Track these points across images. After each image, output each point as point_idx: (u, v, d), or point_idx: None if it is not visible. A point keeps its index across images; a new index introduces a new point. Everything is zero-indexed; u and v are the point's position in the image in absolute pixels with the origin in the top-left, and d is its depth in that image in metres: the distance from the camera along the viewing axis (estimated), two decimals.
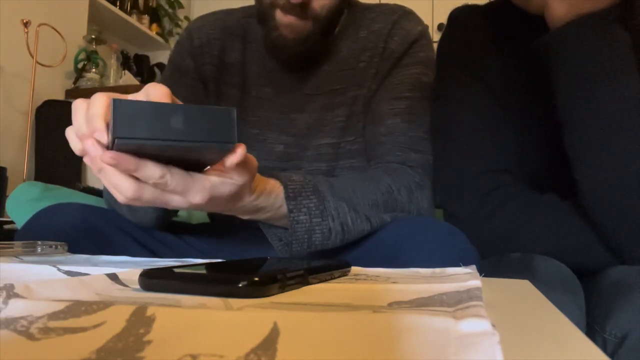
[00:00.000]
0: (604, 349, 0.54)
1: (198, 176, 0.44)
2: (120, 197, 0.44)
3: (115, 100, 0.34)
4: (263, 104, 0.81)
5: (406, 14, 0.80)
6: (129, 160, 0.39)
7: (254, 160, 0.47)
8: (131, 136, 0.34)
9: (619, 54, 0.60)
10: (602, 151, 0.60)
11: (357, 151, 0.77)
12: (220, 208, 0.50)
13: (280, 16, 0.70)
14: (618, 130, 0.59)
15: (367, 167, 0.76)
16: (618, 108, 0.59)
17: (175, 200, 0.45)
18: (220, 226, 0.82)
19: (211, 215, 0.91)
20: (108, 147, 0.39)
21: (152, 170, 0.41)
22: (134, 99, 0.38)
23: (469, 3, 0.81)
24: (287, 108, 0.80)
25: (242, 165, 0.44)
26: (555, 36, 0.62)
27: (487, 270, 0.44)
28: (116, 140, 0.35)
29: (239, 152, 0.40)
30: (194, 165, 0.43)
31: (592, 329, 0.57)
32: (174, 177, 0.42)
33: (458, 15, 0.80)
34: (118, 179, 0.42)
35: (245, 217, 0.56)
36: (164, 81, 0.85)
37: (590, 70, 0.60)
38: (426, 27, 0.81)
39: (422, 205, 0.68)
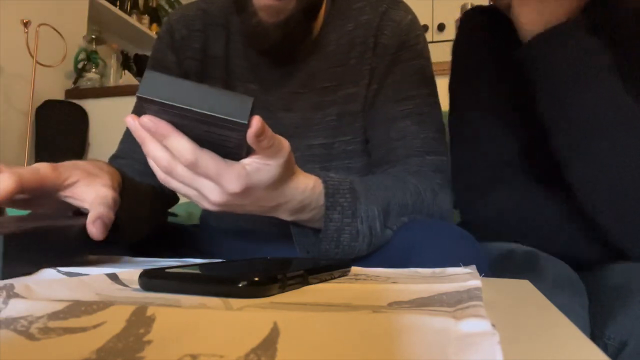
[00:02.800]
0: (605, 353, 0.54)
1: (233, 162, 0.44)
2: (158, 172, 0.45)
3: (147, 70, 0.39)
4: None
5: (394, 3, 0.76)
6: (164, 126, 0.41)
7: (283, 140, 0.46)
8: (152, 97, 0.38)
9: (589, 61, 0.61)
10: (580, 157, 0.62)
11: (353, 151, 0.75)
12: (265, 203, 0.49)
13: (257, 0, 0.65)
14: (593, 135, 0.61)
15: (367, 168, 0.75)
16: (592, 114, 0.61)
17: (207, 187, 0.44)
18: (219, 227, 0.82)
19: (203, 220, 0.89)
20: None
21: (182, 143, 0.42)
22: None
23: (478, 4, 0.83)
24: (274, 106, 0.76)
25: (268, 143, 0.43)
26: (526, 49, 0.64)
27: (492, 270, 0.44)
28: (137, 97, 0.39)
29: (255, 123, 0.40)
30: (228, 155, 0.44)
31: (593, 333, 0.57)
32: (204, 156, 0.42)
33: (467, 17, 0.82)
34: (154, 149, 0.43)
35: (290, 219, 0.54)
36: None
37: (563, 80, 0.62)
38: (415, 15, 0.78)
39: (444, 207, 0.67)
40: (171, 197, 0.79)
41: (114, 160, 0.81)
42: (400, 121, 0.71)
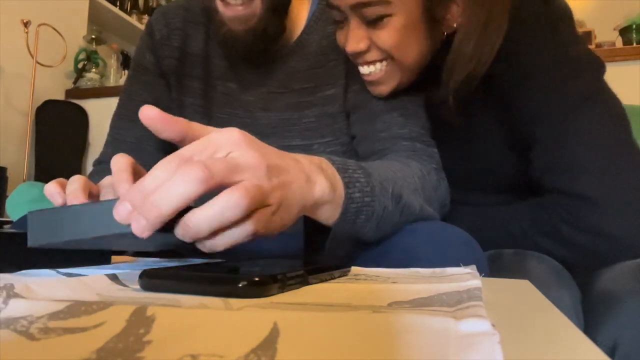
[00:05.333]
0: None
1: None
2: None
3: (29, 213, 0.35)
4: (229, 100, 0.77)
5: None
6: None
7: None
8: (43, 244, 0.34)
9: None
10: None
11: (333, 154, 0.73)
12: (300, 204, 0.39)
13: (223, 9, 0.65)
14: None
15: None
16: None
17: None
18: None
19: None
20: None
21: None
22: (50, 207, 0.36)
23: None
24: (252, 106, 0.76)
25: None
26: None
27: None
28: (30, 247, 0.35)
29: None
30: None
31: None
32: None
33: None
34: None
35: (327, 187, 0.43)
36: (127, 80, 0.83)
37: None
38: None
39: (446, 192, 0.67)
40: None
41: (98, 165, 0.80)
42: (386, 114, 0.70)
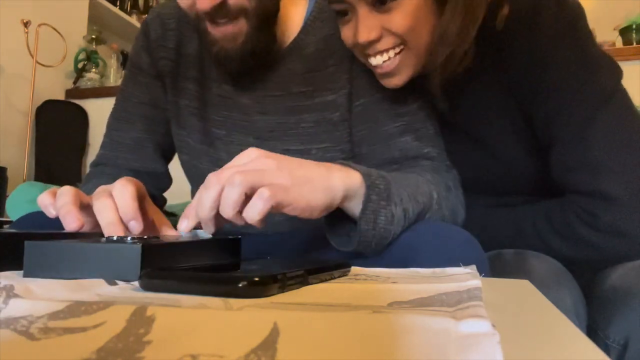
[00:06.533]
0: (607, 355, 0.55)
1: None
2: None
3: (26, 244, 0.35)
4: (226, 103, 0.75)
5: None
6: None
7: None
8: (36, 276, 0.34)
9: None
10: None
11: (332, 160, 0.69)
12: (299, 165, 0.51)
13: (212, 30, 0.66)
14: None
15: None
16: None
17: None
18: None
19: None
20: None
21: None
22: (46, 241, 0.35)
23: None
24: (249, 109, 0.74)
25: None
26: None
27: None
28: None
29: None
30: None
31: (595, 334, 0.57)
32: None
33: None
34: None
35: (342, 185, 0.52)
36: (124, 81, 0.82)
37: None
38: None
39: (457, 202, 0.67)
40: (160, 199, 0.80)
41: (95, 167, 0.79)
42: (397, 137, 0.70)
